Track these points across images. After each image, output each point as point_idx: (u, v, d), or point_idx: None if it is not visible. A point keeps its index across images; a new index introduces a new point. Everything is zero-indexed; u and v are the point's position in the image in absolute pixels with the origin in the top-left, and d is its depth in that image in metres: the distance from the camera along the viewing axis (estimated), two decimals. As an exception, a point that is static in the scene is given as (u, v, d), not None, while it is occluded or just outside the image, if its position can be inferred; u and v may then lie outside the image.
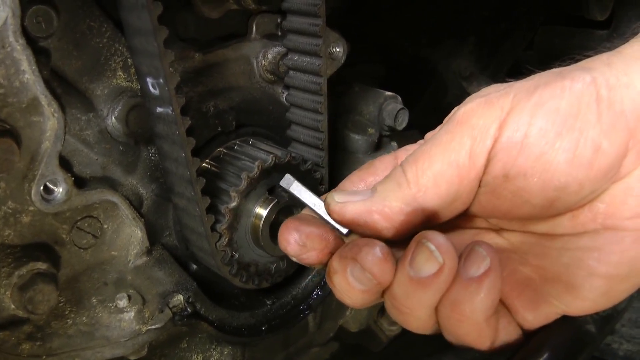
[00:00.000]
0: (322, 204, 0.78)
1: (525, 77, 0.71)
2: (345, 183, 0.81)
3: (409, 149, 0.80)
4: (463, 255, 0.69)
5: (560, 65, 0.71)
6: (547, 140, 0.66)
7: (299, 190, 0.82)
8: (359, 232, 0.75)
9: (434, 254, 0.66)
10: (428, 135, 0.76)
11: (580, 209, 0.70)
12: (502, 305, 0.76)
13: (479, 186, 0.70)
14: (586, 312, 0.74)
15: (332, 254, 0.75)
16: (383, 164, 0.81)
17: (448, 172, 0.69)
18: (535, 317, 0.76)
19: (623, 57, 0.69)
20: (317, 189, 1.10)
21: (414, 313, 0.71)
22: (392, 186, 0.71)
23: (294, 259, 0.76)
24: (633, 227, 0.68)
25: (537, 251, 0.77)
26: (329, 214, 0.76)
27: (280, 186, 0.89)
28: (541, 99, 0.67)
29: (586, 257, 0.71)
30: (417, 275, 0.67)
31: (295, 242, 0.75)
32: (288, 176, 0.90)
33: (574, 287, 0.73)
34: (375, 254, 0.69)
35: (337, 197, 0.75)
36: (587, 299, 0.72)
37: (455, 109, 0.72)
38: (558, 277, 0.74)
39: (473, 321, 0.69)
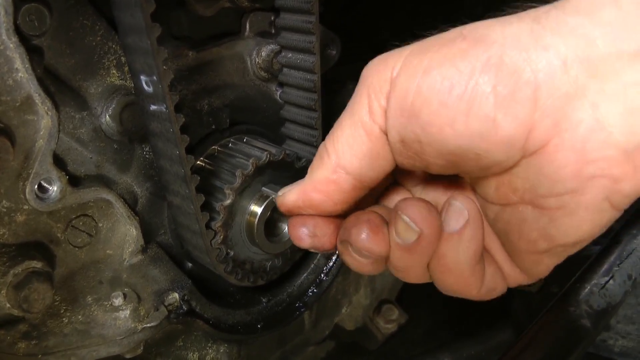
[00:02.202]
0: None
1: None
2: None
3: None
4: (443, 211, 0.70)
5: (496, 15, 0.66)
6: (430, 111, 0.62)
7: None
8: (310, 214, 0.77)
9: (409, 225, 0.68)
10: None
11: (501, 180, 0.67)
12: (489, 254, 0.76)
13: (390, 145, 0.69)
14: (528, 282, 0.74)
15: None
16: None
17: (356, 132, 0.69)
18: (511, 273, 0.75)
19: (562, 10, 0.60)
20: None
21: (410, 271, 0.74)
22: (317, 162, 0.74)
23: (313, 250, 0.80)
24: (548, 206, 0.63)
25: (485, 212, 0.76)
26: (280, 210, 0.80)
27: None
28: (431, 64, 0.62)
29: (510, 231, 0.69)
30: (404, 243, 0.69)
31: (307, 235, 0.77)
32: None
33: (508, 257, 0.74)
34: (363, 234, 0.71)
35: (279, 192, 0.79)
36: (522, 269, 0.72)
37: None
38: (503, 242, 0.74)
39: (458, 272, 0.70)
